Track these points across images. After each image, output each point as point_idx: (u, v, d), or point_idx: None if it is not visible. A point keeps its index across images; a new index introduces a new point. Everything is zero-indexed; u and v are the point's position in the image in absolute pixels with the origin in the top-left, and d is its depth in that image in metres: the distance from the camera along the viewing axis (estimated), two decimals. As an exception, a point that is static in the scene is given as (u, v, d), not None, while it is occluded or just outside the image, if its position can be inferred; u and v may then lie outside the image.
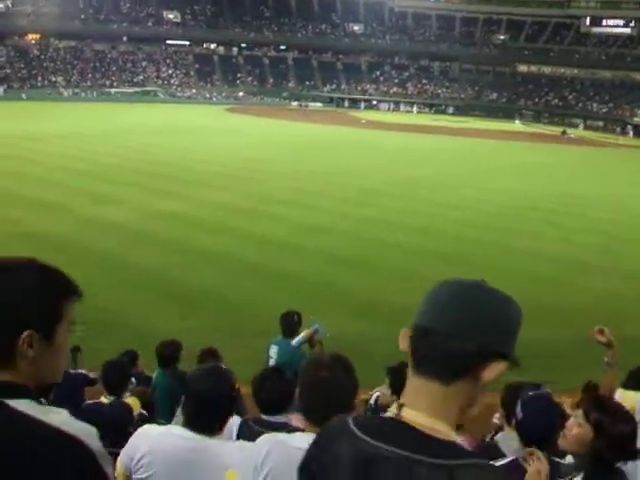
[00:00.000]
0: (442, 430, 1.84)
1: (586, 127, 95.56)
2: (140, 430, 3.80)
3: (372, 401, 6.78)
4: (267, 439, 2.92)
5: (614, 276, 22.00)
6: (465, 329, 1.85)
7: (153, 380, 8.49)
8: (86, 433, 2.00)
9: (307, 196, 31.79)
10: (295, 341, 8.79)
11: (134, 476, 3.60)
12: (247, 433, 4.49)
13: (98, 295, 17.32)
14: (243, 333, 15.22)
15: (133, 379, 8.18)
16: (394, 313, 17.25)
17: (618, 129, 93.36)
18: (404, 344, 1.98)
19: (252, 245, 22.72)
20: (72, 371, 8.86)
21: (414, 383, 1.90)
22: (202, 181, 34.22)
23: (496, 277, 21.49)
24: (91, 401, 7.16)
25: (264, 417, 4.65)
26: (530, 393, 4.58)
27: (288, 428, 3.92)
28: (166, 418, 6.98)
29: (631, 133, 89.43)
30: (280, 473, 2.80)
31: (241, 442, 3.90)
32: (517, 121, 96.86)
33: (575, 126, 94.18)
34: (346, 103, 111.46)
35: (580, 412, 3.91)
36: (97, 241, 22.12)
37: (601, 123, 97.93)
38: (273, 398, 4.78)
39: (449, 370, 1.86)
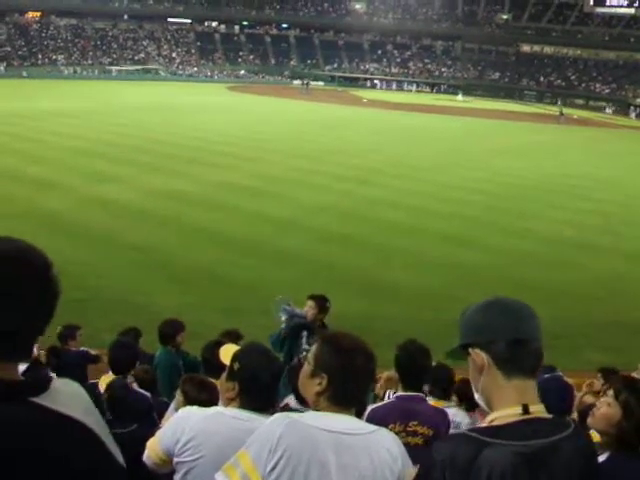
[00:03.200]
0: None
1: (615, 112, 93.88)
2: (183, 412, 3.71)
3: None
4: (280, 419, 2.89)
5: (616, 257, 22.02)
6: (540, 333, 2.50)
7: (155, 358, 8.51)
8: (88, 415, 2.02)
9: (308, 175, 31.74)
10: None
11: (177, 459, 3.52)
12: None
13: (97, 274, 17.42)
14: (242, 311, 15.25)
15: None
16: (395, 292, 17.34)
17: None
18: (481, 359, 2.42)
19: (252, 224, 22.68)
20: (74, 349, 8.91)
21: (519, 384, 2.40)
22: (203, 159, 34.18)
23: (499, 258, 21.53)
24: (93, 381, 7.18)
25: (295, 406, 4.56)
26: (546, 375, 4.61)
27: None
28: (167, 395, 7.01)
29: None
30: (295, 452, 2.76)
31: None
32: (460, 95, 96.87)
33: (602, 109, 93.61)
34: (369, 83, 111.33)
35: (611, 391, 3.87)
36: (96, 219, 22.11)
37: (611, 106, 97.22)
38: None
39: (540, 366, 2.48)
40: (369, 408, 5.26)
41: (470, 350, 2.45)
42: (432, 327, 13.30)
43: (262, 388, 3.56)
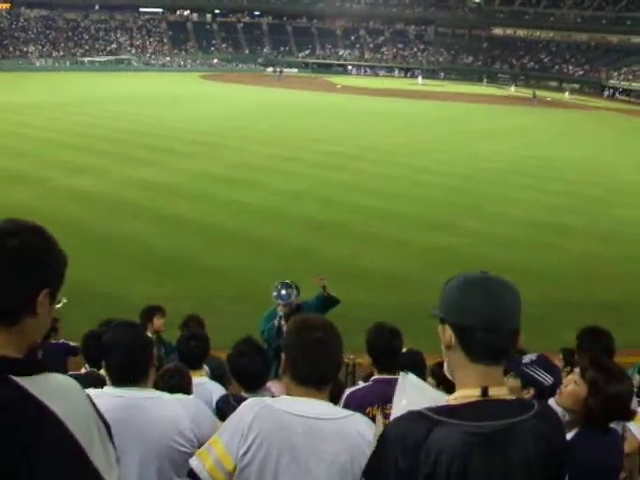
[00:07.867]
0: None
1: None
2: None
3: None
4: (253, 404, 2.89)
5: (590, 238, 22.16)
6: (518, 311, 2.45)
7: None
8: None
9: (284, 162, 31.69)
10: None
11: None
12: (224, 409, 4.38)
13: (74, 266, 17.27)
14: (220, 300, 15.26)
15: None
16: (372, 278, 17.35)
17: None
18: (449, 337, 2.40)
19: (229, 212, 22.65)
20: (54, 341, 8.86)
21: (482, 368, 2.36)
22: (177, 149, 34.00)
23: (475, 242, 21.57)
24: (71, 373, 7.16)
25: (245, 395, 4.56)
26: (534, 356, 4.73)
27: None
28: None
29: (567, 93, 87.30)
30: (268, 437, 2.77)
31: (180, 395, 3.82)
32: (419, 78, 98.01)
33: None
34: (343, 69, 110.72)
35: (577, 369, 3.93)
36: (72, 212, 21.90)
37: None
38: (253, 375, 4.74)
39: (506, 355, 2.43)
40: (347, 392, 5.29)
41: (441, 324, 2.43)
42: (409, 312, 13.32)
43: (119, 363, 3.60)
